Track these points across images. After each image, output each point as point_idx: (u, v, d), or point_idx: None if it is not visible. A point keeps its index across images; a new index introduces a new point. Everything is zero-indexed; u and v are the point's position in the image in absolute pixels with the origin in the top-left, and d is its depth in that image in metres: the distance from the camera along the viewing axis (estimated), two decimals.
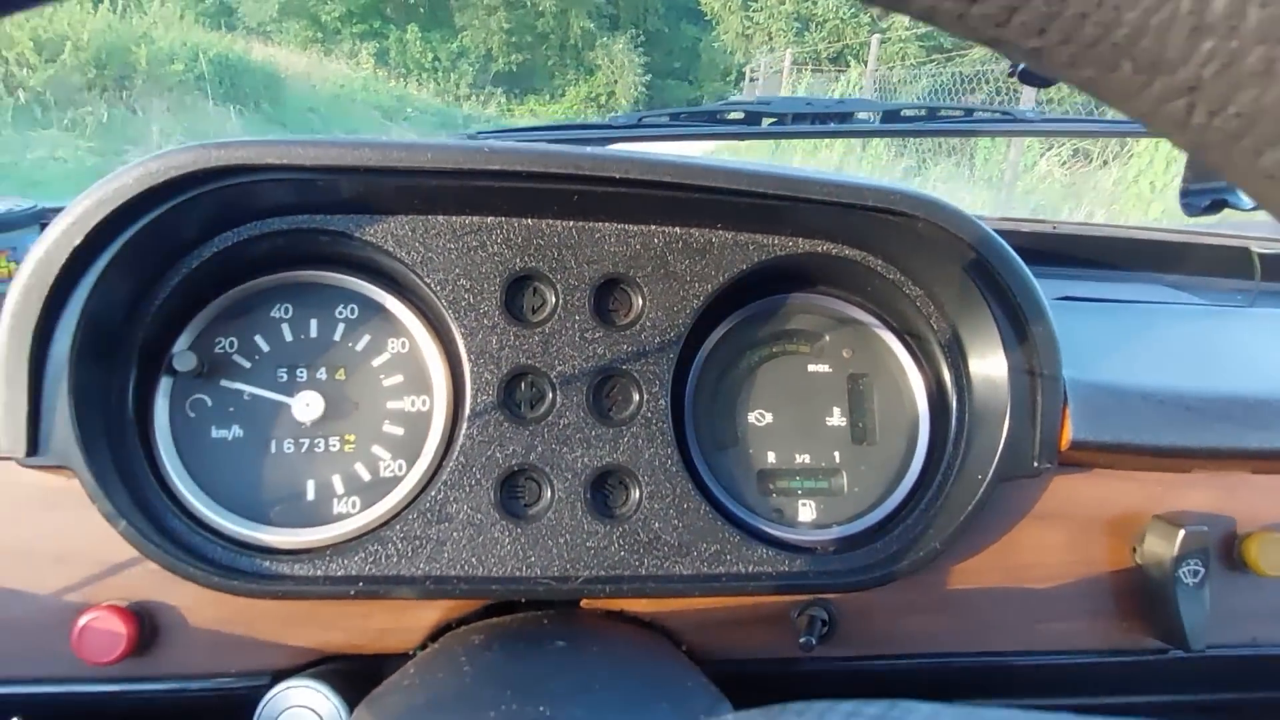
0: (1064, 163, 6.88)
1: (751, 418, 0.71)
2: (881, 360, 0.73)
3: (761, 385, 0.72)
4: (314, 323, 0.67)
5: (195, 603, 0.61)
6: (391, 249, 0.63)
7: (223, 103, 8.60)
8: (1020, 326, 0.65)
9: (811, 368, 0.73)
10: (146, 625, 0.60)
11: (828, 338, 0.73)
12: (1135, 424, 0.67)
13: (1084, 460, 0.70)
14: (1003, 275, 0.63)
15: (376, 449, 0.66)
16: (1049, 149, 6.89)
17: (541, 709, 0.42)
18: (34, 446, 0.55)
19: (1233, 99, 0.19)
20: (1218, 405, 0.69)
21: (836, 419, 0.72)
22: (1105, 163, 6.46)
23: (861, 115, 0.93)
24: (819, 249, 0.68)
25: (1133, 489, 0.73)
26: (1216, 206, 0.72)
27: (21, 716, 0.66)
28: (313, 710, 0.60)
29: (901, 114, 0.94)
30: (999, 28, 0.19)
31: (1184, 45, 0.18)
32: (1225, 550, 0.75)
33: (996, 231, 0.64)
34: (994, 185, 6.80)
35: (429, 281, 0.63)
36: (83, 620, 0.58)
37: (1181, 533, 0.70)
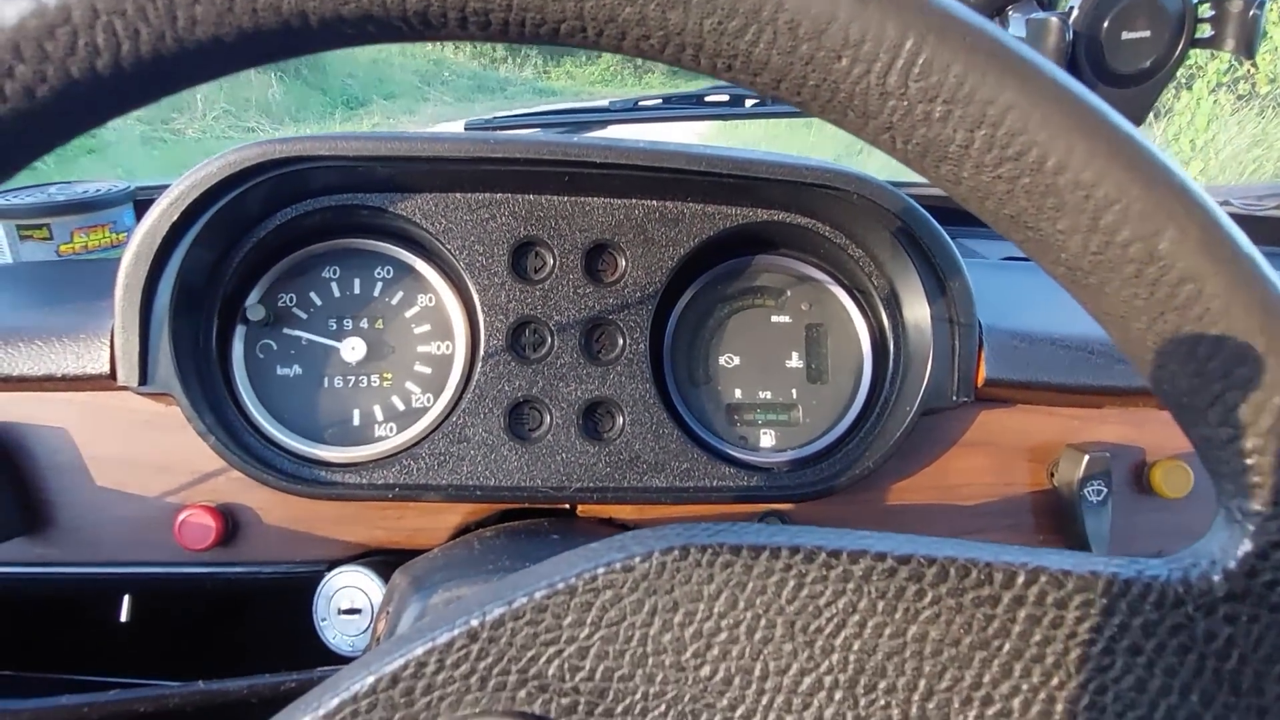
0: None
1: (721, 360, 0.85)
2: (834, 312, 0.86)
3: (731, 333, 0.85)
4: (357, 282, 0.81)
5: (267, 505, 0.77)
6: (419, 221, 0.77)
7: (264, 70, 8.81)
8: (940, 282, 0.77)
9: (774, 318, 0.86)
10: (230, 522, 0.76)
11: (789, 293, 0.86)
12: (1043, 365, 0.79)
13: (1005, 396, 0.82)
14: (923, 238, 0.75)
15: (409, 384, 0.81)
16: None
17: (526, 564, 0.56)
18: (144, 378, 0.70)
19: (912, 135, 0.31)
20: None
21: (795, 362, 0.85)
22: (1149, 122, 6.38)
23: None
24: (775, 218, 0.80)
25: (1051, 422, 0.85)
26: None
27: (130, 596, 0.83)
28: (361, 590, 0.76)
29: None
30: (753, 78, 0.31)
31: (878, 104, 0.31)
32: (1135, 477, 0.87)
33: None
34: None
35: (449, 247, 0.77)
36: (181, 516, 0.74)
37: (1086, 457, 0.82)
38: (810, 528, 0.37)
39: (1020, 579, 0.34)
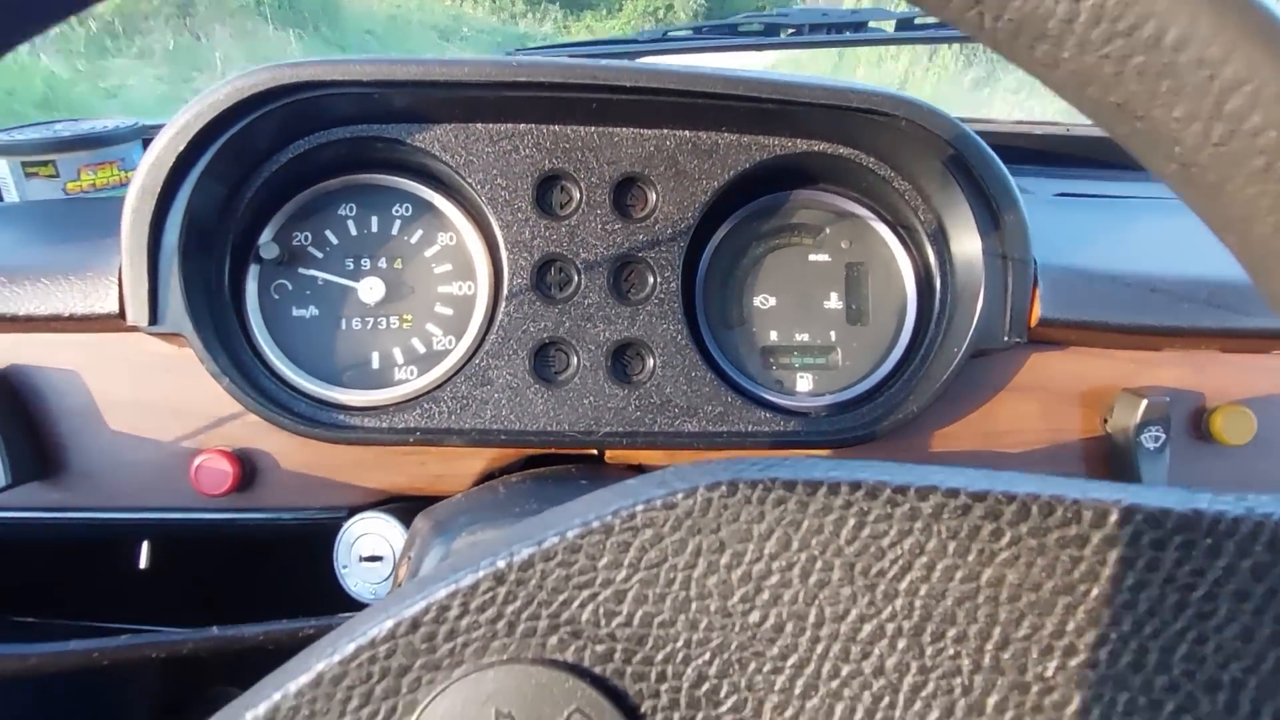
0: None
1: (757, 301, 0.81)
2: (876, 250, 0.81)
3: (767, 273, 0.81)
4: (374, 220, 0.78)
5: (285, 450, 0.74)
6: (437, 153, 0.73)
7: (283, 27, 8.73)
8: (994, 215, 0.72)
9: (812, 257, 0.81)
10: (247, 467, 0.74)
11: (828, 230, 0.81)
12: (1101, 304, 0.75)
13: (1059, 338, 0.78)
14: (977, 168, 0.70)
15: (430, 326, 0.77)
16: None
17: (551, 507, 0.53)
18: (154, 317, 0.67)
19: (1005, 8, 0.27)
20: (1184, 287, 0.76)
21: (834, 302, 0.81)
22: None
23: (875, 25, 0.98)
24: (815, 148, 0.75)
25: (1106, 365, 0.81)
26: None
27: (148, 543, 0.81)
28: (382, 536, 0.73)
29: (915, 22, 1.00)
30: None
31: None
32: (1194, 423, 0.82)
33: (1015, 135, 0.71)
34: None
35: (470, 181, 0.73)
36: (197, 461, 0.72)
37: (1144, 402, 0.77)
38: (870, 461, 0.34)
39: (1113, 518, 0.31)
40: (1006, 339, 0.73)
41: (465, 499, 0.66)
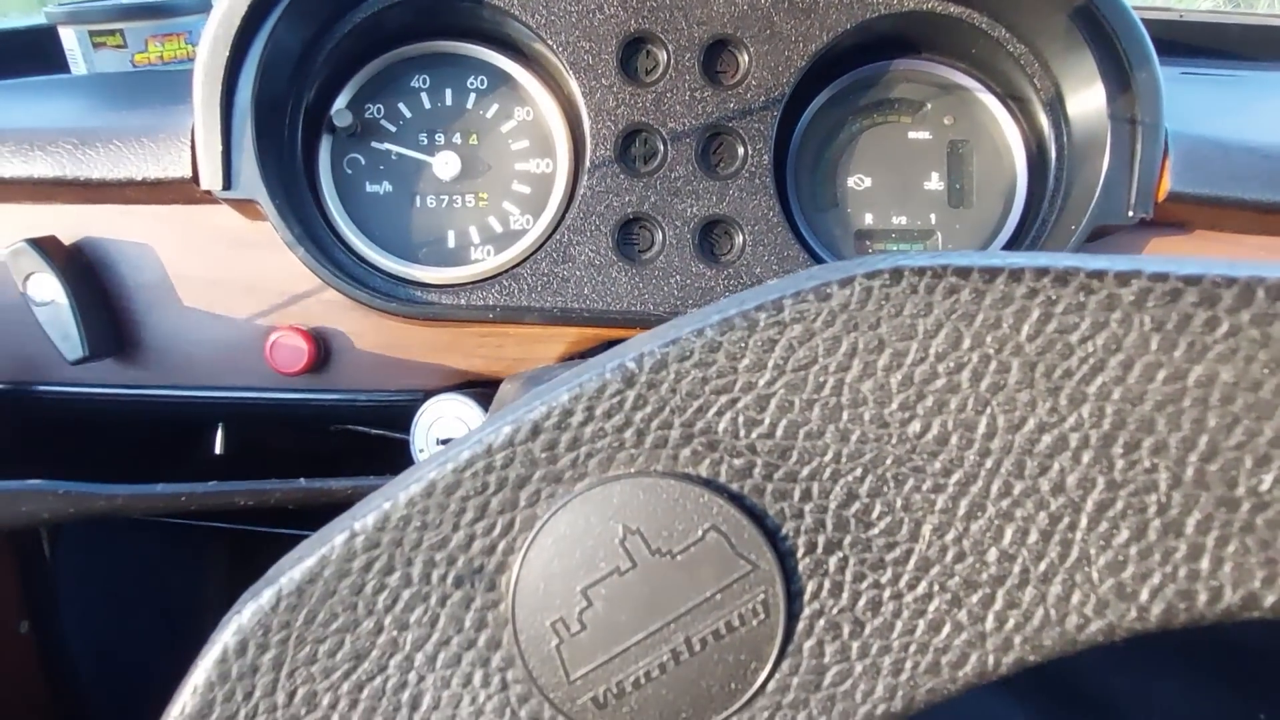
0: None
1: (851, 181, 0.75)
2: (983, 125, 0.75)
3: (862, 151, 0.75)
4: (449, 92, 0.74)
5: (360, 329, 0.72)
6: (516, 12, 0.68)
7: None
8: (1124, 74, 0.65)
9: (912, 135, 0.75)
10: (323, 346, 0.71)
11: (929, 105, 0.75)
12: (1239, 178, 0.68)
13: (1185, 218, 0.71)
14: (1109, 19, 0.64)
15: (507, 205, 0.74)
16: None
17: None
18: (228, 181, 0.65)
19: None
20: None
21: (934, 183, 0.75)
22: None
23: None
24: (924, 6, 0.69)
25: (1235, 254, 0.74)
26: None
27: (223, 424, 0.80)
28: (461, 420, 0.71)
29: None
30: None
31: None
32: None
33: None
34: None
35: (551, 44, 0.69)
36: (272, 338, 0.70)
37: None
38: (1055, 253, 0.29)
39: None
40: (1132, 214, 0.67)
41: (554, 366, 0.63)
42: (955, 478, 0.28)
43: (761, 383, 0.28)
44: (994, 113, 0.74)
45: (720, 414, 0.29)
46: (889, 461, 0.28)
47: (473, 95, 0.74)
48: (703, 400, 0.29)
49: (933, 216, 0.75)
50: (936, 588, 0.28)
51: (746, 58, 0.69)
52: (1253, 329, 0.26)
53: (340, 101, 0.71)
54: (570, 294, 0.70)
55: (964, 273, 0.27)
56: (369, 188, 0.73)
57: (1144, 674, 1.03)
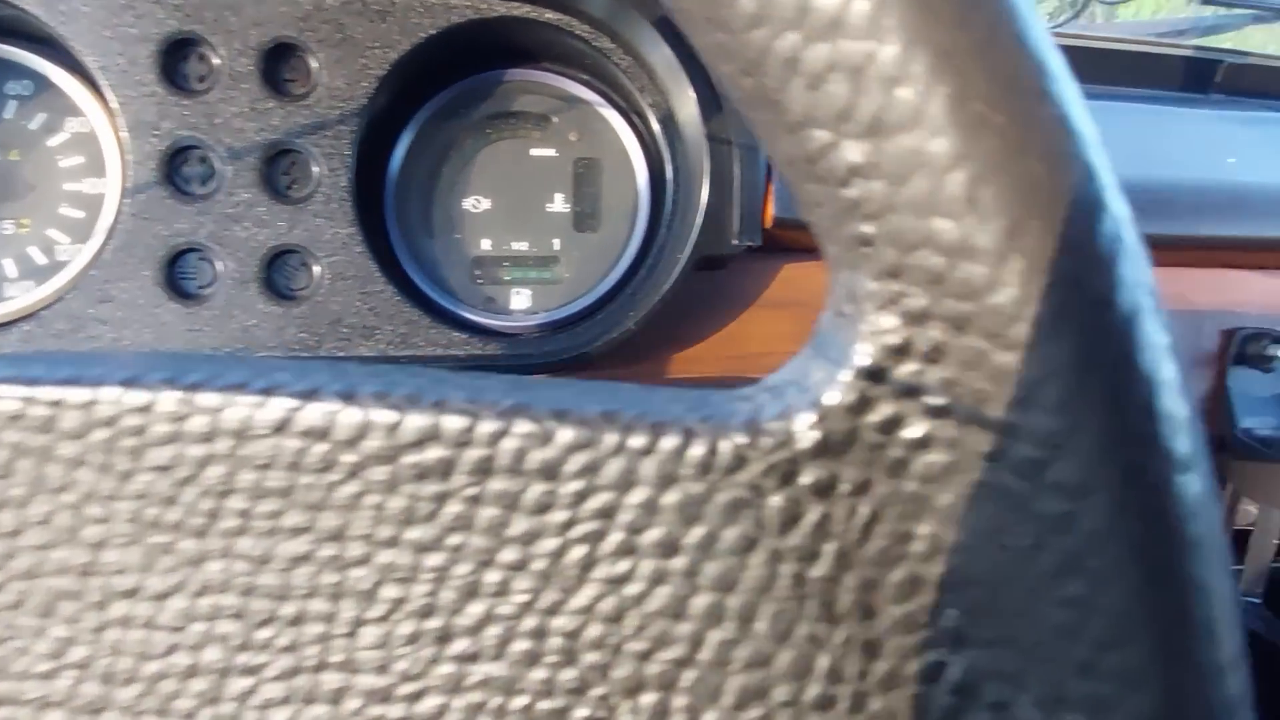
0: None
1: (466, 204, 0.68)
2: (609, 142, 0.69)
3: (481, 169, 0.68)
4: None
5: None
6: (30, 7, 0.58)
7: None
8: (714, 86, 0.60)
9: (535, 152, 0.69)
10: None
11: (554, 120, 0.69)
12: None
13: (811, 244, 0.67)
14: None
15: (52, 232, 0.63)
16: None
17: None
18: None
19: None
20: None
21: (559, 205, 0.69)
22: None
23: None
24: (514, 12, 0.62)
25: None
26: None
27: None
28: None
29: None
30: None
31: None
32: None
33: None
34: None
35: (75, 45, 0.59)
36: None
37: None
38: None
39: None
40: (736, 242, 0.62)
41: None
42: None
43: None
44: (617, 129, 0.68)
45: None
46: None
47: (13, 104, 0.63)
48: None
49: (556, 242, 0.68)
50: None
51: (316, 65, 0.61)
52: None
53: None
54: (109, 338, 0.60)
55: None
56: None
57: None
